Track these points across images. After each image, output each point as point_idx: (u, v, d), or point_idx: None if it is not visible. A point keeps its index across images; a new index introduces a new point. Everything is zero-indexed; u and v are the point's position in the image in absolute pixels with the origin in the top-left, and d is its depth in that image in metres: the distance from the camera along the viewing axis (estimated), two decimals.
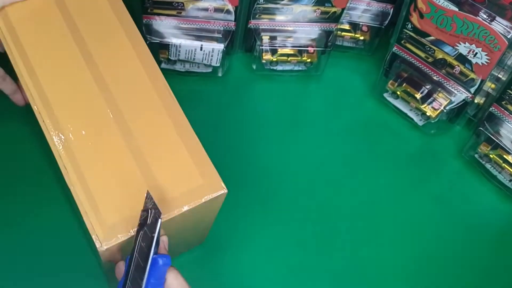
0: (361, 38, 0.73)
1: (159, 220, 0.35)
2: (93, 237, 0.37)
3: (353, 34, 0.73)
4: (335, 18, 0.67)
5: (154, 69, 0.45)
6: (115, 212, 0.38)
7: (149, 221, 0.36)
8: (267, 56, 0.69)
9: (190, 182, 0.40)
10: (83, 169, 0.40)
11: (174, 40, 0.64)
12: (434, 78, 0.65)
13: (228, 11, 0.63)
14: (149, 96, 0.44)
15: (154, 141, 0.42)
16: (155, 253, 0.36)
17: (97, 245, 0.37)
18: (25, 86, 0.43)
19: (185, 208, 0.39)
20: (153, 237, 0.35)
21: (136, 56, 0.45)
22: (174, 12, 0.63)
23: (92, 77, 0.44)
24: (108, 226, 0.38)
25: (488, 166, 0.64)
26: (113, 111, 0.42)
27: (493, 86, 0.62)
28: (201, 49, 0.65)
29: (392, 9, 0.71)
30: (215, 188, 0.41)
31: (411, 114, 0.68)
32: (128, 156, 0.41)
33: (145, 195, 0.37)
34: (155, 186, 0.40)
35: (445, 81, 0.64)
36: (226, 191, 0.41)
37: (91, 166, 0.40)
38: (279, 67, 0.71)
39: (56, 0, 0.47)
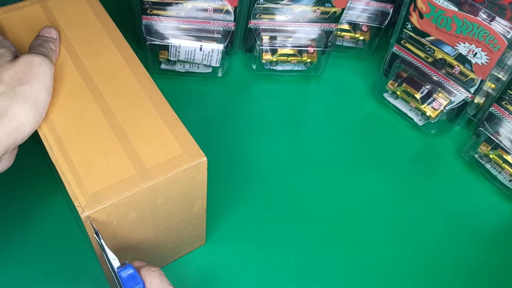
0: (361, 38, 0.73)
1: (100, 237, 0.39)
2: (76, 204, 0.39)
3: (353, 34, 0.73)
4: (335, 18, 0.67)
5: (134, 59, 0.48)
6: (97, 182, 0.40)
7: (99, 242, 0.40)
8: (267, 56, 0.69)
9: (170, 153, 0.42)
10: (67, 146, 0.42)
11: (173, 41, 0.64)
12: (434, 78, 0.65)
13: (227, 12, 0.63)
14: (129, 82, 0.47)
15: (135, 120, 0.44)
16: (118, 268, 0.38)
17: (79, 211, 0.38)
18: None
19: (167, 176, 0.41)
20: (108, 258, 0.39)
21: (118, 51, 0.49)
22: (173, 13, 0.63)
23: (76, 69, 0.47)
24: (90, 194, 0.39)
25: (488, 166, 0.64)
26: (96, 97, 0.45)
27: (493, 86, 0.62)
28: (200, 49, 0.65)
29: (392, 9, 0.71)
30: (195, 156, 0.42)
31: (411, 114, 0.68)
32: (110, 133, 0.43)
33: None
34: (136, 158, 0.42)
35: (445, 81, 0.64)
36: (205, 158, 0.42)
37: (75, 143, 0.42)
38: (279, 67, 0.71)
39: (43, 8, 0.51)
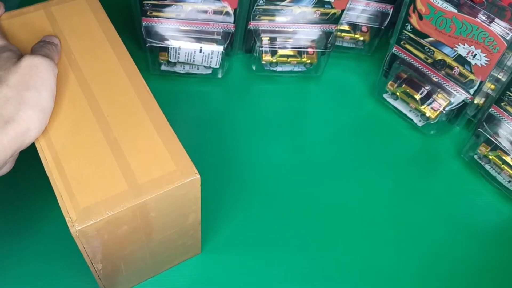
0: (361, 38, 0.73)
1: None
2: (67, 219, 0.39)
3: (352, 35, 0.73)
4: (335, 19, 0.67)
5: (133, 70, 0.48)
6: (89, 196, 0.40)
7: None
8: (267, 57, 0.69)
9: (163, 169, 0.42)
10: (61, 158, 0.42)
11: (173, 43, 0.64)
12: (434, 79, 0.65)
13: (227, 13, 0.63)
14: (127, 93, 0.47)
15: (130, 133, 0.44)
16: None
17: (70, 225, 0.39)
18: None
19: (158, 192, 0.41)
20: None
21: (118, 61, 0.49)
22: (173, 15, 0.63)
23: (75, 77, 0.47)
24: (81, 209, 0.39)
25: (487, 167, 0.64)
26: (93, 107, 0.45)
27: (492, 87, 0.62)
28: (200, 51, 0.65)
29: (391, 10, 0.71)
30: (188, 173, 0.42)
31: (410, 115, 0.68)
32: (105, 145, 0.43)
33: None
34: (129, 172, 0.42)
35: (444, 82, 0.64)
36: (198, 176, 0.42)
37: (69, 155, 0.42)
38: (279, 68, 0.71)
39: (47, 14, 0.52)
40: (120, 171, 0.42)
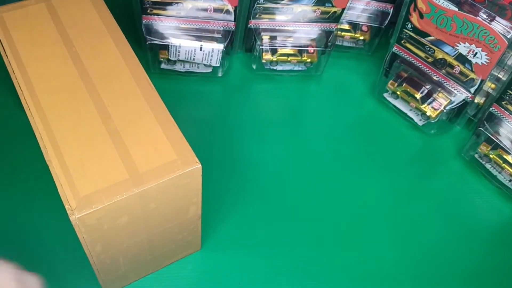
0: (361, 38, 0.73)
1: None
2: (66, 207, 0.39)
3: (353, 34, 0.73)
4: (335, 18, 0.67)
5: (134, 62, 0.49)
6: (89, 184, 0.40)
7: None
8: (267, 56, 0.69)
9: (164, 158, 0.42)
10: (61, 147, 0.42)
11: (174, 41, 0.64)
12: (434, 78, 0.65)
13: (227, 11, 0.63)
14: (128, 84, 0.47)
15: (131, 123, 0.44)
16: None
17: (69, 213, 0.38)
18: (16, 81, 0.47)
19: (159, 181, 0.41)
20: None
21: (119, 53, 0.49)
22: (173, 13, 0.63)
23: (76, 69, 0.47)
24: (81, 197, 0.39)
25: (488, 166, 0.64)
26: (94, 98, 0.45)
27: (493, 86, 0.62)
28: (200, 49, 0.65)
29: (392, 9, 0.71)
30: (189, 163, 0.42)
31: (411, 114, 0.68)
32: (105, 135, 0.43)
33: None
34: (129, 162, 0.42)
35: (445, 81, 0.64)
36: (199, 165, 0.42)
37: (70, 144, 0.42)
38: (279, 67, 0.71)
39: (48, 7, 0.52)
40: (120, 160, 0.41)
